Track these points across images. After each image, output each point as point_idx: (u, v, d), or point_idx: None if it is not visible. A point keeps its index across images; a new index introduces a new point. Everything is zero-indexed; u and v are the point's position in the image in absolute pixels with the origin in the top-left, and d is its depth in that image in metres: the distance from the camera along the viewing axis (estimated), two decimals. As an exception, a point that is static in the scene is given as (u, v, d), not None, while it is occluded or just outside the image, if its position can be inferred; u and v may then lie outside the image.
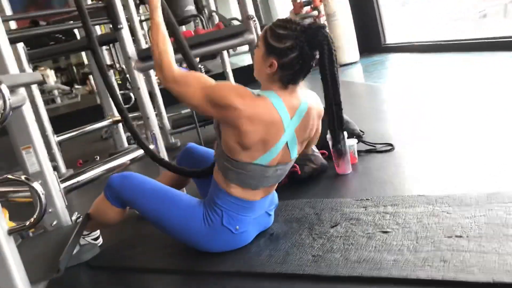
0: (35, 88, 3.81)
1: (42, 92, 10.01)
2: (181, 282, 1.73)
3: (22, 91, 1.96)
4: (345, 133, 2.38)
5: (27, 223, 1.47)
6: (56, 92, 11.03)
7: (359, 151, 2.56)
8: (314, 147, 2.40)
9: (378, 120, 3.36)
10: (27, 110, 1.97)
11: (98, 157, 3.95)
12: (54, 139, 4.02)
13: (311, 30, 1.62)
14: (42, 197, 1.46)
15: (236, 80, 3.70)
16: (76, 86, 11.26)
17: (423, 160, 2.30)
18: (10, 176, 1.45)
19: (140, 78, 2.44)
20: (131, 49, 2.41)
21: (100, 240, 2.21)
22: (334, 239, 1.68)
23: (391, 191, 2.04)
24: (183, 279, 1.74)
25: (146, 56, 2.37)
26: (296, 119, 1.71)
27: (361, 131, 2.79)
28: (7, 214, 2.22)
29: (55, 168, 4.00)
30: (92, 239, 2.18)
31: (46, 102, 8.15)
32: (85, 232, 2.13)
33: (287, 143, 1.72)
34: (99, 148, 4.88)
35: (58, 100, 11.08)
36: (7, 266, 1.42)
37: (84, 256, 2.09)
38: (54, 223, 2.05)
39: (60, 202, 2.06)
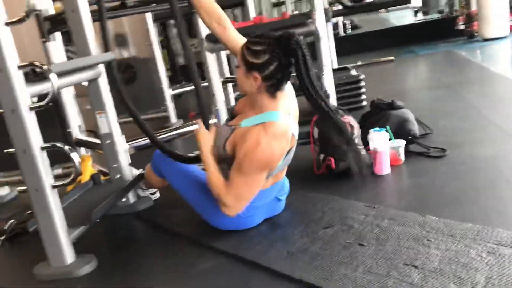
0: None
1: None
2: (188, 249, 2.03)
3: (100, 66, 2.38)
4: (385, 133, 2.40)
5: (67, 181, 1.89)
6: None
7: (412, 152, 2.55)
8: (357, 142, 2.46)
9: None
10: (103, 82, 2.39)
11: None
12: (169, 92, 4.56)
13: (284, 40, 1.76)
14: (77, 164, 1.86)
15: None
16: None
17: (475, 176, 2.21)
18: (58, 144, 1.86)
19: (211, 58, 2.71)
20: (204, 32, 2.67)
21: (157, 195, 2.62)
22: (316, 240, 1.82)
23: (406, 203, 2.07)
24: (191, 246, 2.03)
25: (216, 39, 2.62)
26: (292, 116, 1.89)
27: (429, 128, 2.75)
28: (90, 160, 2.74)
29: (167, 118, 4.57)
30: (150, 193, 2.61)
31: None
32: (144, 187, 2.56)
33: (292, 133, 1.91)
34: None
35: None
36: (49, 213, 1.88)
37: (139, 207, 2.53)
38: (117, 176, 2.50)
39: (124, 160, 2.50)
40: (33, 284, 1.92)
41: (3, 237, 2.41)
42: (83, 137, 2.88)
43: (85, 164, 2.71)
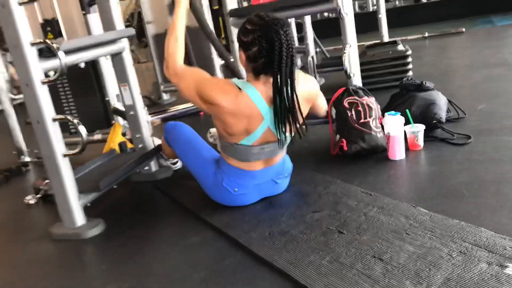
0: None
1: None
2: (186, 221, 2.13)
3: (124, 41, 2.49)
4: (400, 117, 2.32)
5: (75, 151, 2.04)
6: None
7: (435, 138, 2.45)
8: (374, 125, 2.40)
9: None
10: (126, 56, 2.51)
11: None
12: (218, 61, 4.64)
13: (266, 26, 1.75)
14: (84, 136, 2.00)
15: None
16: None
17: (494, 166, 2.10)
18: (68, 117, 2.01)
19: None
20: (230, 7, 2.69)
21: (178, 165, 2.75)
22: (300, 224, 1.84)
23: (405, 191, 2.02)
24: (190, 218, 2.13)
25: (240, 14, 2.63)
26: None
27: (463, 111, 2.62)
28: (120, 129, 2.91)
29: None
30: (171, 163, 2.74)
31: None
32: (165, 157, 2.69)
33: (269, 127, 1.89)
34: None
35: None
36: (61, 179, 2.06)
37: (159, 176, 2.67)
38: (140, 146, 2.65)
39: (146, 131, 2.64)
40: (47, 241, 2.13)
41: (38, 195, 2.67)
42: (119, 106, 3.05)
43: (116, 131, 2.88)
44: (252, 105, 1.84)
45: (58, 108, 3.02)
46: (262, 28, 1.77)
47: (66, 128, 3.09)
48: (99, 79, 3.08)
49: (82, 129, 2.01)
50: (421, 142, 2.40)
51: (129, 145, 2.78)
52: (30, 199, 2.66)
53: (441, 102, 2.61)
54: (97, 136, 3.26)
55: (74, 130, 3.13)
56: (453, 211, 1.74)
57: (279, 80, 1.80)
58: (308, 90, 2.00)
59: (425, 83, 2.66)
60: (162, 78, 4.98)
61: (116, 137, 2.84)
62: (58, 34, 3.11)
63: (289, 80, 1.80)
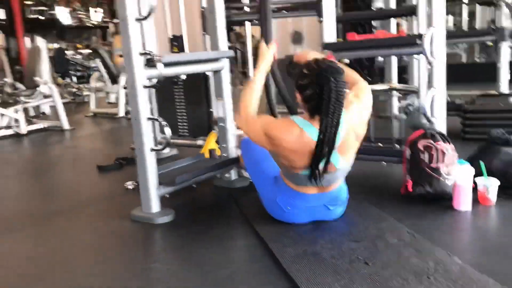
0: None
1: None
2: (241, 226, 2.33)
3: (224, 60, 2.81)
4: (468, 166, 2.27)
5: (161, 146, 2.39)
6: None
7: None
8: (445, 171, 2.38)
9: None
10: (224, 74, 2.82)
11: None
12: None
13: (319, 72, 1.92)
14: (168, 135, 2.33)
15: None
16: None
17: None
18: (159, 118, 2.36)
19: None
20: (325, 40, 2.87)
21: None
22: (334, 249, 1.94)
23: (450, 242, 2.00)
24: (244, 224, 2.33)
25: (334, 48, 2.79)
26: None
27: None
28: (215, 137, 3.23)
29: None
30: (246, 174, 2.98)
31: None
32: (242, 168, 2.93)
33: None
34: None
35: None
36: (145, 170, 2.41)
37: (236, 184, 2.92)
38: (224, 154, 2.94)
39: (231, 142, 2.92)
40: (127, 220, 2.49)
41: (136, 183, 3.08)
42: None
43: (210, 139, 3.20)
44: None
45: (172, 113, 3.48)
46: (316, 74, 1.95)
47: (175, 130, 3.52)
48: (208, 92, 3.45)
49: (167, 130, 2.35)
50: (493, 197, 2.32)
51: (218, 153, 3.07)
52: (129, 185, 3.09)
53: (529, 161, 2.47)
54: (200, 142, 3.62)
55: (182, 133, 3.54)
56: (491, 268, 1.70)
57: (324, 123, 1.94)
58: (359, 122, 2.10)
59: (515, 138, 2.55)
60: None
61: (209, 144, 3.16)
62: (182, 49, 3.55)
63: (334, 123, 1.93)
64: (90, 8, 21.11)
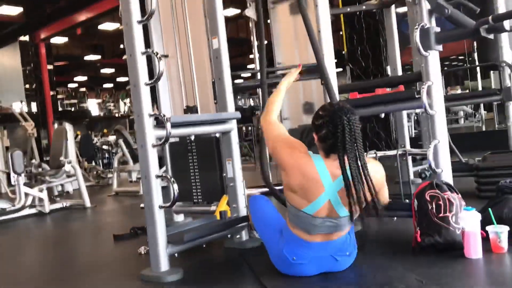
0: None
1: (448, 111, 10.97)
2: (247, 280, 2.32)
3: (233, 122, 2.93)
4: (476, 213, 2.25)
5: (169, 204, 2.44)
6: (461, 113, 11.52)
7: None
8: (454, 220, 2.35)
9: None
10: (233, 135, 2.94)
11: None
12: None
13: (333, 112, 2.02)
14: (175, 191, 2.40)
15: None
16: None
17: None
18: (168, 176, 2.45)
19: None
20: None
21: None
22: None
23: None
24: (251, 278, 2.31)
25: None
26: (337, 183, 2.03)
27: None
28: (226, 199, 3.28)
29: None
30: (257, 235, 2.98)
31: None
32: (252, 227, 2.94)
33: (330, 201, 2.04)
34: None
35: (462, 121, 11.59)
36: (155, 227, 2.45)
37: (247, 244, 2.92)
38: (235, 215, 2.97)
39: (241, 202, 2.96)
40: (137, 279, 2.50)
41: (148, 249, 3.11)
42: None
43: (222, 202, 3.25)
44: (314, 171, 2.06)
45: (186, 179, 3.56)
46: (330, 114, 2.06)
47: (190, 197, 3.58)
48: (220, 156, 3.55)
49: (175, 186, 2.42)
50: (504, 244, 2.27)
51: (229, 214, 3.10)
52: (142, 250, 3.12)
53: (539, 208, 2.44)
54: (213, 208, 3.66)
55: (196, 199, 3.60)
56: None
57: (343, 159, 2.00)
58: (374, 174, 2.12)
59: (524, 187, 2.54)
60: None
61: (221, 206, 3.21)
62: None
63: (354, 158, 1.99)
64: (120, 100, 22.26)
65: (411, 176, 4.63)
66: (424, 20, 2.59)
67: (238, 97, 13.59)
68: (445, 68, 7.83)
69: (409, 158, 4.42)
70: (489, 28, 2.43)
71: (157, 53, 2.49)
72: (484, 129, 8.92)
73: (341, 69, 11.03)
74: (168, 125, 2.42)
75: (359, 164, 2.01)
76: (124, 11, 2.47)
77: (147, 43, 3.45)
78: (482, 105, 11.93)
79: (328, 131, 2.05)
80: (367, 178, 2.02)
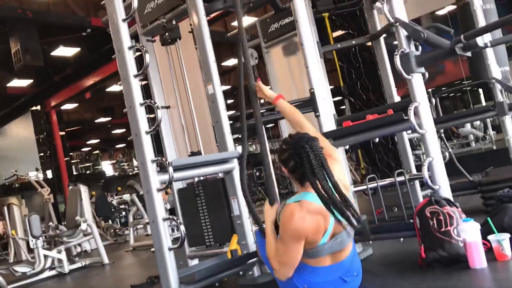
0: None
1: (457, 136, 11.01)
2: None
3: (234, 161, 3.04)
4: (475, 223, 2.29)
5: (178, 244, 2.52)
6: (471, 136, 11.54)
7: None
8: (456, 233, 2.40)
9: None
10: (235, 173, 3.04)
11: (396, 209, 4.52)
12: (351, 188, 4.90)
13: (295, 143, 2.14)
14: (183, 233, 2.49)
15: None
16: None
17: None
18: (174, 218, 2.54)
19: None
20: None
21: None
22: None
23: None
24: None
25: (333, 136, 3.00)
26: None
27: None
28: (236, 238, 3.35)
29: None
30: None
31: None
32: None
33: (336, 217, 2.11)
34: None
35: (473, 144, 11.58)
36: (166, 269, 2.52)
37: (259, 280, 2.97)
38: (245, 252, 3.03)
39: (250, 239, 3.03)
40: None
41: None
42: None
43: (233, 241, 3.31)
44: (319, 207, 2.11)
45: (197, 222, 3.64)
46: (292, 146, 2.17)
47: (202, 241, 3.65)
48: (227, 198, 3.64)
49: (182, 228, 2.51)
50: (508, 252, 2.30)
51: (240, 253, 3.16)
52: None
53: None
54: (225, 249, 3.72)
55: (209, 243, 3.67)
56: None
57: (315, 184, 2.08)
58: (340, 178, 2.21)
59: (521, 194, 2.58)
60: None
61: (232, 245, 3.27)
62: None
63: (325, 178, 2.07)
64: (133, 158, 22.62)
65: (420, 199, 4.65)
66: (403, 46, 2.74)
67: (249, 143, 13.73)
68: (443, 94, 7.90)
69: (417, 183, 4.46)
70: (464, 47, 2.55)
71: (155, 103, 2.64)
72: (495, 148, 8.92)
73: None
74: (170, 168, 2.54)
75: (331, 182, 2.08)
76: (120, 67, 2.64)
77: (149, 97, 3.64)
78: (490, 126, 12.04)
79: (295, 162, 2.15)
80: (341, 192, 2.08)
